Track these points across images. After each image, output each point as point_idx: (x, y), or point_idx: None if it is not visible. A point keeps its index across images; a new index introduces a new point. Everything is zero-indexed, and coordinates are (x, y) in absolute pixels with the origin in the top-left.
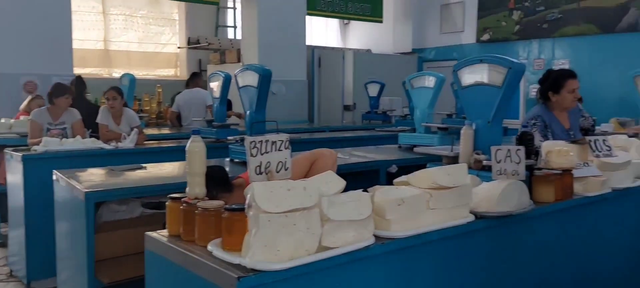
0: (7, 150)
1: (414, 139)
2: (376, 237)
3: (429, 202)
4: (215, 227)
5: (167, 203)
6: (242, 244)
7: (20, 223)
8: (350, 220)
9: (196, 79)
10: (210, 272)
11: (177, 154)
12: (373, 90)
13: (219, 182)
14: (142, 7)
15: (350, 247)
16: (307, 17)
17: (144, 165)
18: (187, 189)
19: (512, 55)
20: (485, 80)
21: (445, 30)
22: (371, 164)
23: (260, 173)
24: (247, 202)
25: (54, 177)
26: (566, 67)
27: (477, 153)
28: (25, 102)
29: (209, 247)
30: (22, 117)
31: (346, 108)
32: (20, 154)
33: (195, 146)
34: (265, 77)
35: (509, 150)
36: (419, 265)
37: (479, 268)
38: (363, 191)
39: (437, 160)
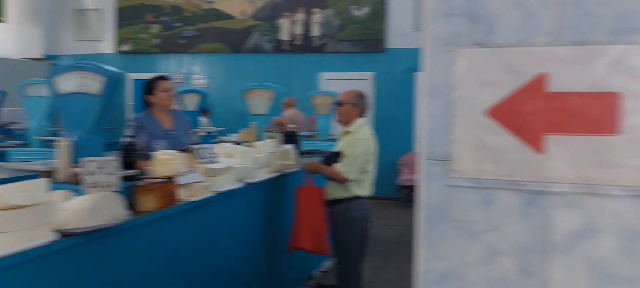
0: None
1: (26, 154)
2: None
3: None
4: None
5: None
6: None
7: None
8: None
9: None
10: None
11: None
12: None
13: None
14: None
15: None
16: None
17: None
18: None
19: (152, 68)
20: (82, 88)
21: (81, 37)
22: None
23: None
24: None
25: None
26: (202, 81)
27: (76, 167)
28: None
29: None
30: None
31: None
32: None
33: None
34: None
35: (101, 161)
36: None
37: None
38: None
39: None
